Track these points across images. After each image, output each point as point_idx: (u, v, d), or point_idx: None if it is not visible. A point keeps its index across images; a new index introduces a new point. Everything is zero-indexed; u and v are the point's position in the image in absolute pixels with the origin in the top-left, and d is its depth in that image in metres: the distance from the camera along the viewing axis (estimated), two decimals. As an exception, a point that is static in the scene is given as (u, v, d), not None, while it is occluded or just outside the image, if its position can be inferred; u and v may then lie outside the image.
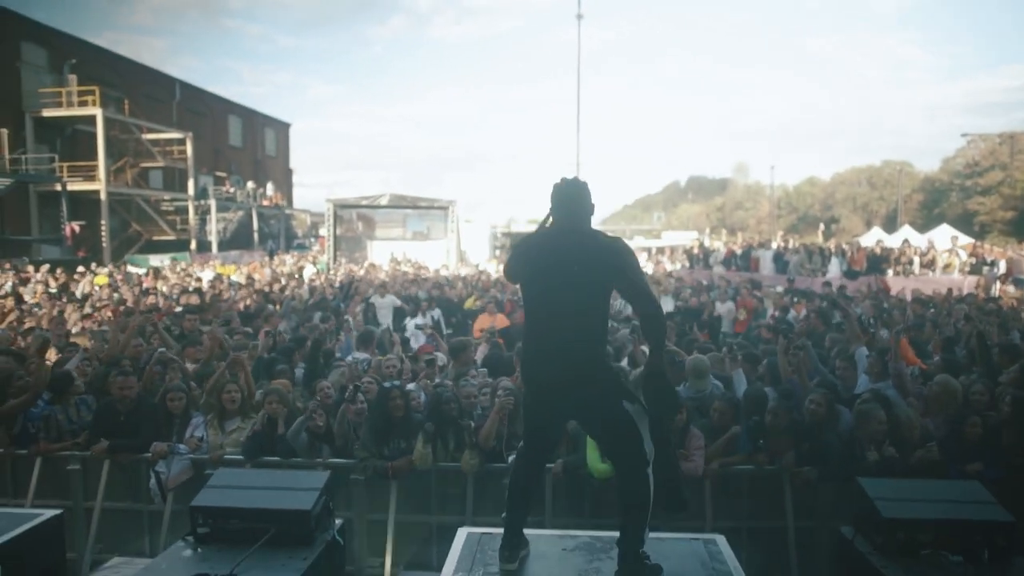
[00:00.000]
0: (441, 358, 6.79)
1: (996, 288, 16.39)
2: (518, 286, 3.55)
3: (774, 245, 20.21)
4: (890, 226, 39.20)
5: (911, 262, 17.22)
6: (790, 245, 19.65)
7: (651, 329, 3.28)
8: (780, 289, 14.95)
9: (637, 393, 3.25)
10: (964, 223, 40.90)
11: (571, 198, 3.36)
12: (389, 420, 5.13)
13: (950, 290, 13.73)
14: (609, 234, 3.39)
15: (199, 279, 17.98)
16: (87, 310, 10.68)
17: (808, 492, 4.87)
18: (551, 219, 3.43)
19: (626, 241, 3.40)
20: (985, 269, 17.45)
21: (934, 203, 59.75)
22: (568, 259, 3.21)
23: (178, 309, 10.15)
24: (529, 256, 3.35)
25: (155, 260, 27.90)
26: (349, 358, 7.05)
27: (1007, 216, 50.99)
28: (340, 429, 5.20)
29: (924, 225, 34.88)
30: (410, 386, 5.78)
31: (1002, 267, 17.86)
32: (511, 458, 4.79)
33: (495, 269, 24.69)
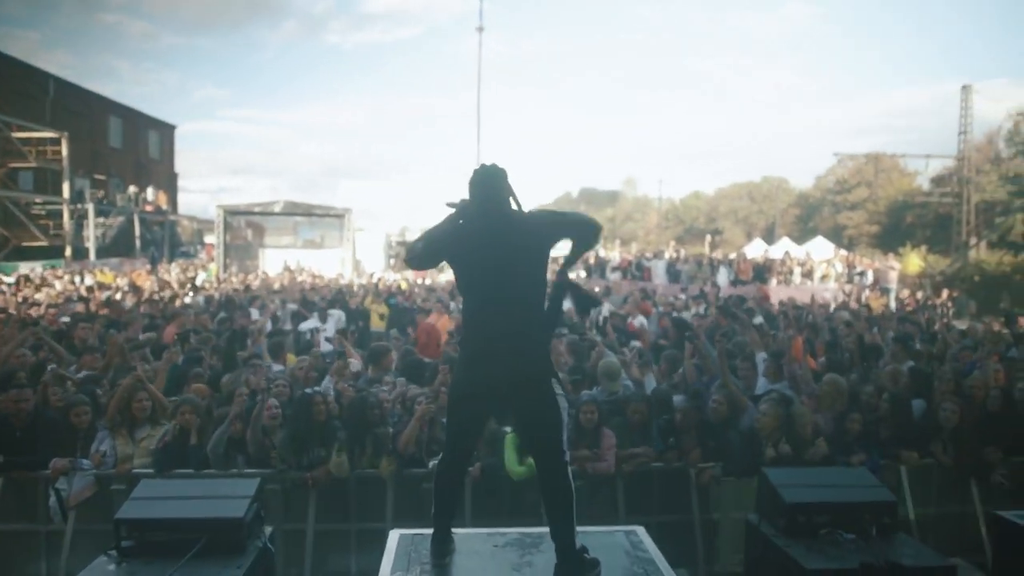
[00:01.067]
0: (354, 364, 6.75)
1: (865, 295, 17.79)
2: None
3: (666, 255, 21.15)
4: (769, 238, 41.54)
5: (791, 272, 18.42)
6: (681, 255, 20.63)
7: (584, 235, 3.43)
8: (672, 298, 15.68)
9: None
10: (835, 236, 43.76)
11: (492, 183, 3.38)
12: (309, 427, 5.09)
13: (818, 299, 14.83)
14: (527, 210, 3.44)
15: (84, 287, 17.01)
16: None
17: (712, 486, 5.20)
18: (472, 206, 3.41)
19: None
20: (856, 279, 18.91)
21: (808, 217, 63.63)
22: (502, 242, 3.24)
23: (65, 318, 9.58)
24: (455, 241, 3.33)
25: (25, 267, 26.05)
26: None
27: (872, 230, 54.92)
28: (253, 436, 5.10)
29: (800, 237, 37.20)
30: (324, 383, 5.78)
31: (870, 277, 19.40)
32: (432, 463, 4.87)
33: (392, 278, 24.55)
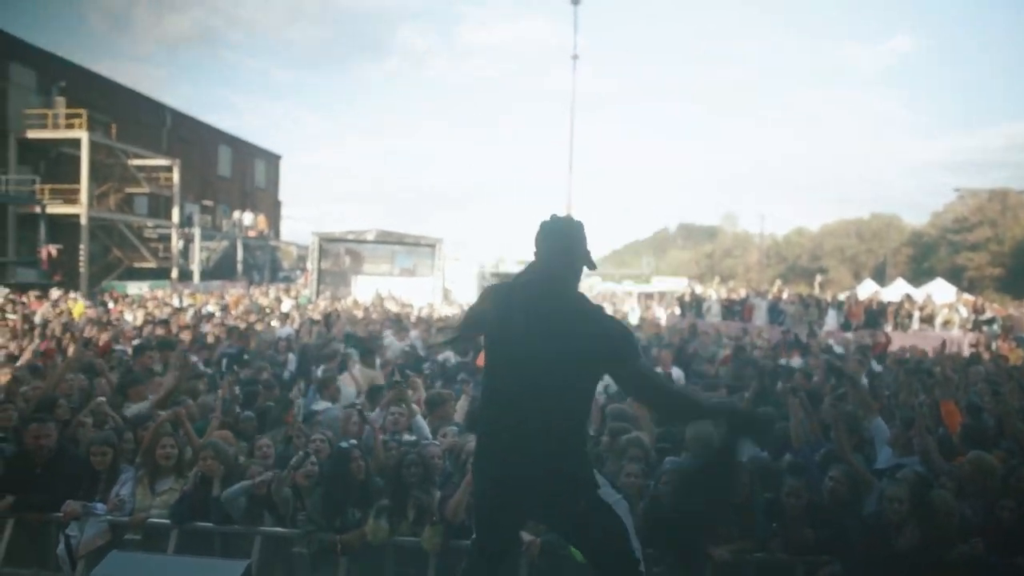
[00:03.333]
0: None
1: (995, 346, 15.89)
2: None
3: (769, 295, 19.71)
4: (879, 278, 38.93)
5: (910, 316, 16.73)
6: (784, 295, 19.18)
7: (671, 407, 2.82)
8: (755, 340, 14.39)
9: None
10: (953, 278, 40.86)
11: (562, 241, 2.74)
12: (346, 485, 4.42)
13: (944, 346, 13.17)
14: (600, 307, 2.78)
15: (174, 308, 17.26)
16: (36, 340, 9.90)
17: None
18: (534, 264, 2.80)
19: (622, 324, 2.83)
20: (984, 327, 16.99)
21: (922, 257, 59.91)
22: (554, 324, 2.62)
23: (135, 342, 9.40)
24: (502, 307, 2.71)
25: (134, 287, 27.13)
26: (317, 406, 6.35)
27: (995, 272, 51.03)
28: (278, 495, 4.48)
29: (914, 279, 34.65)
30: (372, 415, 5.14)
31: (998, 324, 17.41)
32: None
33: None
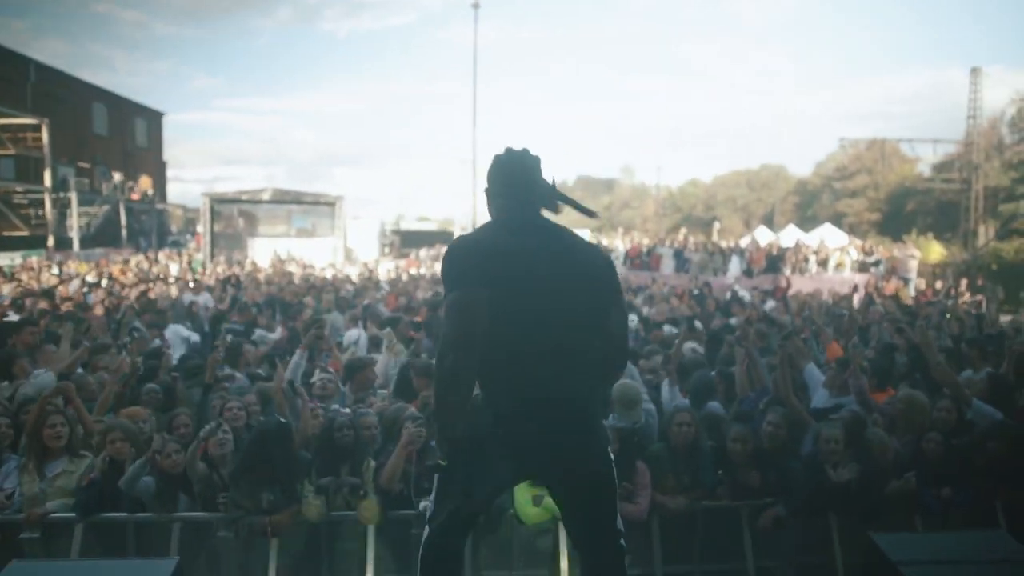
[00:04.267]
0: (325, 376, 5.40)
1: (881, 285, 16.81)
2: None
3: (674, 244, 20.09)
4: (768, 226, 40.51)
5: (806, 260, 17.43)
6: (690, 243, 19.61)
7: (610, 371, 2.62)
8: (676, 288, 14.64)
9: None
10: (835, 223, 43.12)
11: (527, 177, 2.50)
12: (271, 462, 4.07)
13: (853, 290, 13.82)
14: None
15: (58, 277, 15.94)
16: None
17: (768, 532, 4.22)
18: (495, 208, 2.54)
19: None
20: (872, 268, 17.93)
21: (807, 204, 62.79)
22: (553, 265, 2.37)
23: (10, 317, 8.51)
24: (489, 265, 2.35)
25: (4, 258, 24.95)
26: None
27: (873, 217, 54.06)
28: (191, 469, 4.08)
29: (800, 225, 36.26)
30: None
31: (883, 265, 18.42)
32: (422, 505, 3.88)
33: (386, 269, 23.58)
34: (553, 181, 2.54)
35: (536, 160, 2.53)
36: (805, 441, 4.46)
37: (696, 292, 13.35)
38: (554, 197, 2.53)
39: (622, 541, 2.51)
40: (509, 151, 2.53)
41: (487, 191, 2.56)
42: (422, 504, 3.91)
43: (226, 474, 4.09)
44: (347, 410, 4.52)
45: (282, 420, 4.18)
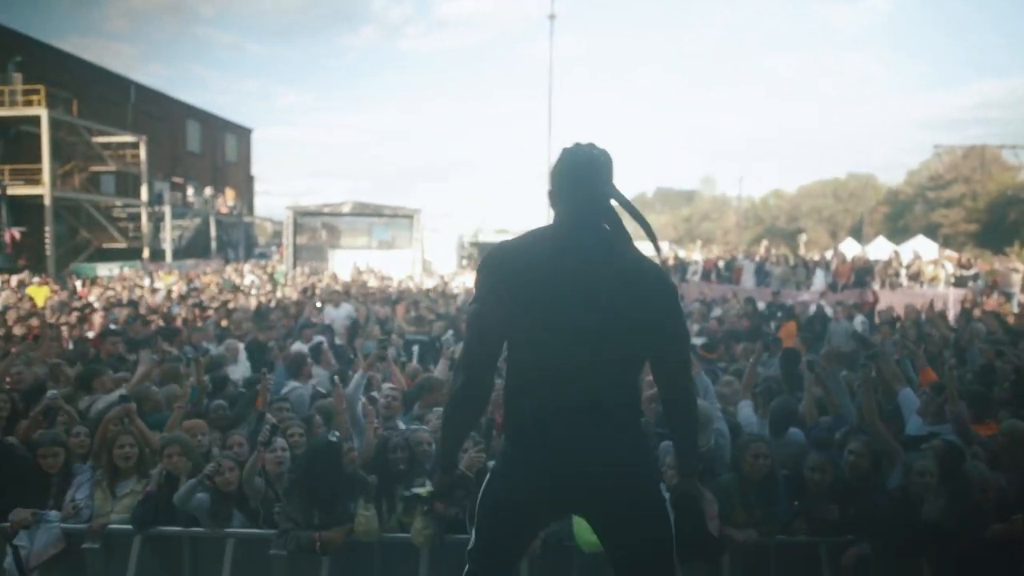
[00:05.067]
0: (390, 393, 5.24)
1: (981, 301, 15.74)
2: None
3: (756, 256, 19.38)
4: (856, 238, 38.85)
5: (897, 274, 16.51)
6: (772, 255, 18.88)
7: (683, 421, 2.34)
8: (760, 304, 14.07)
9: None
10: (928, 235, 41.10)
11: (589, 173, 2.25)
12: (326, 479, 4.00)
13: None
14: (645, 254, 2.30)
15: (147, 288, 16.63)
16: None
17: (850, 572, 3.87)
18: (553, 210, 2.31)
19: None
20: (970, 283, 16.82)
21: (898, 215, 60.12)
22: (592, 278, 2.15)
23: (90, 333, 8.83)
24: (517, 275, 2.17)
25: (104, 269, 26.31)
26: (285, 389, 5.86)
27: (970, 228, 51.28)
28: (250, 486, 4.06)
29: (890, 237, 34.60)
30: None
31: (982, 280, 17.25)
32: None
33: (461, 282, 23.66)
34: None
35: (604, 157, 2.29)
36: (894, 474, 4.08)
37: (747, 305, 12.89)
38: (621, 203, 2.30)
39: None
40: (576, 146, 2.32)
41: (550, 187, 2.36)
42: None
43: (282, 494, 4.04)
44: (402, 427, 4.42)
45: (332, 439, 4.10)
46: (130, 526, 4.02)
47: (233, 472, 4.04)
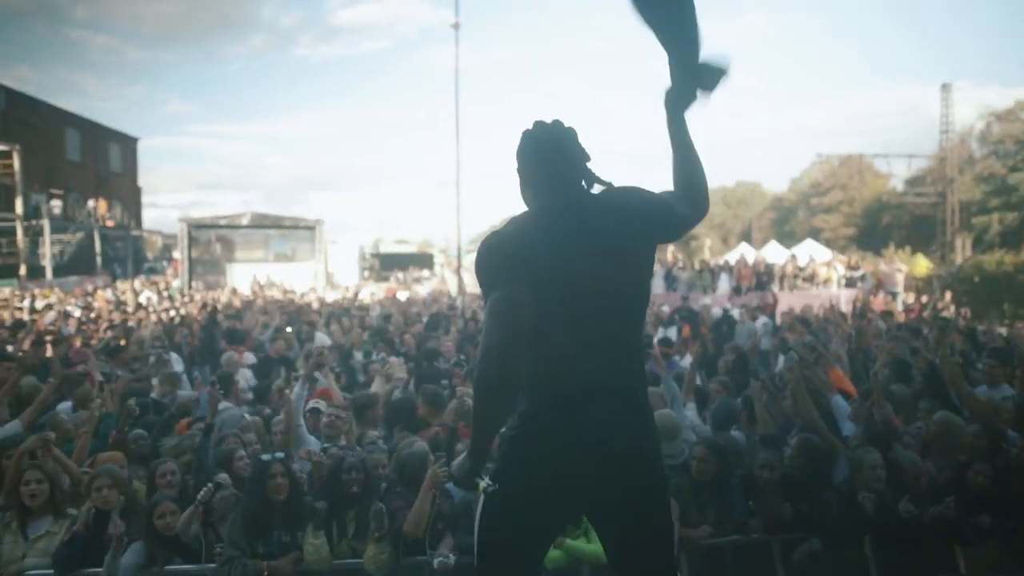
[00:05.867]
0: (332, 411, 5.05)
1: (872, 301, 16.79)
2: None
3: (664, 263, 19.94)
4: (746, 242, 40.70)
5: (795, 277, 17.38)
6: (679, 261, 19.49)
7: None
8: (666, 308, 14.45)
9: None
10: (812, 239, 43.53)
11: (566, 151, 2.25)
12: (268, 506, 3.77)
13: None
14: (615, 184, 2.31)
15: (26, 309, 15.42)
16: None
17: (803, 568, 3.98)
18: (529, 191, 2.30)
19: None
20: (859, 283, 17.92)
21: (783, 220, 63.37)
22: (602, 245, 2.13)
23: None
24: (526, 261, 2.09)
25: (-25, 288, 24.27)
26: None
27: (848, 232, 54.64)
28: (186, 535, 3.76)
29: (779, 241, 36.51)
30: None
31: (869, 280, 18.43)
32: (436, 561, 3.61)
33: (368, 293, 23.22)
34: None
35: (571, 131, 2.27)
36: (837, 471, 4.24)
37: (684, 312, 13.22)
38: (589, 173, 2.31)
39: None
40: (539, 124, 2.27)
41: (519, 171, 2.31)
42: (437, 561, 3.63)
43: (223, 530, 3.77)
44: (358, 448, 4.23)
45: (281, 456, 3.88)
46: (51, 571, 3.65)
47: (175, 515, 3.72)
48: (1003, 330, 11.83)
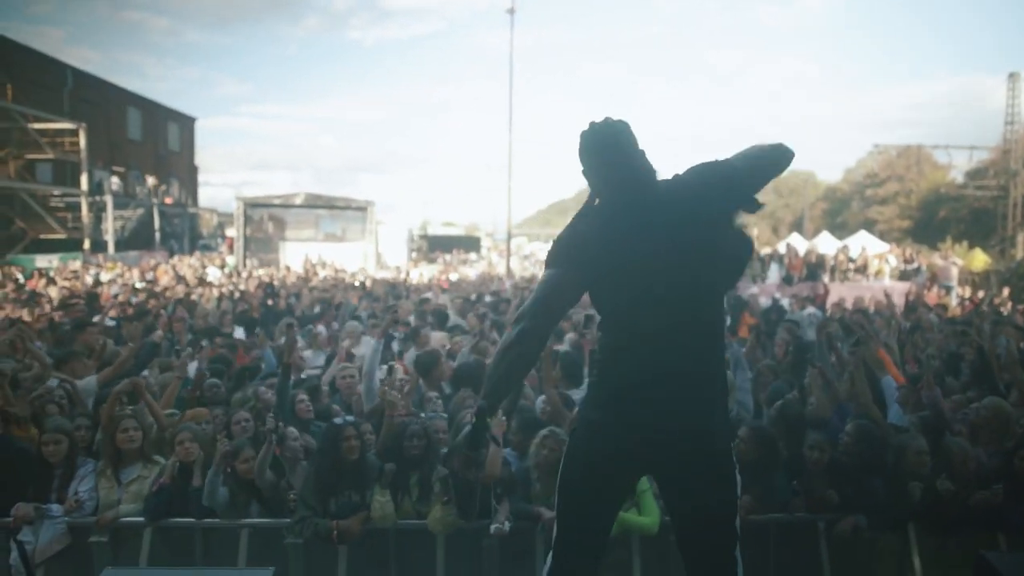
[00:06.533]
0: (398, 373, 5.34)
1: (925, 294, 16.47)
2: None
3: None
4: (797, 232, 40.01)
5: (847, 268, 17.14)
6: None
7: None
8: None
9: None
10: (866, 230, 42.56)
11: (625, 146, 2.37)
12: (339, 466, 4.02)
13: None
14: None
15: (96, 281, 16.10)
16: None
17: (846, 546, 4.08)
18: (593, 187, 2.44)
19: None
20: (913, 277, 17.57)
21: (836, 211, 61.99)
22: (675, 233, 2.26)
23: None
24: (591, 252, 2.30)
25: (42, 260, 25.31)
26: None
27: (904, 225, 53.28)
28: (260, 475, 4.02)
29: (831, 232, 35.84)
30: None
31: (924, 272, 18.05)
32: (492, 528, 3.81)
33: (417, 273, 23.57)
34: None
35: (622, 126, 2.39)
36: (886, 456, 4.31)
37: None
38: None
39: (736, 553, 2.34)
40: (593, 126, 2.41)
41: (584, 173, 2.45)
42: (493, 527, 3.84)
43: (295, 480, 4.04)
44: (422, 414, 4.46)
45: (350, 421, 4.13)
46: (141, 518, 3.97)
47: (249, 459, 4.00)
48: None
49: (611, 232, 2.28)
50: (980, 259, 22.05)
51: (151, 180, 38.03)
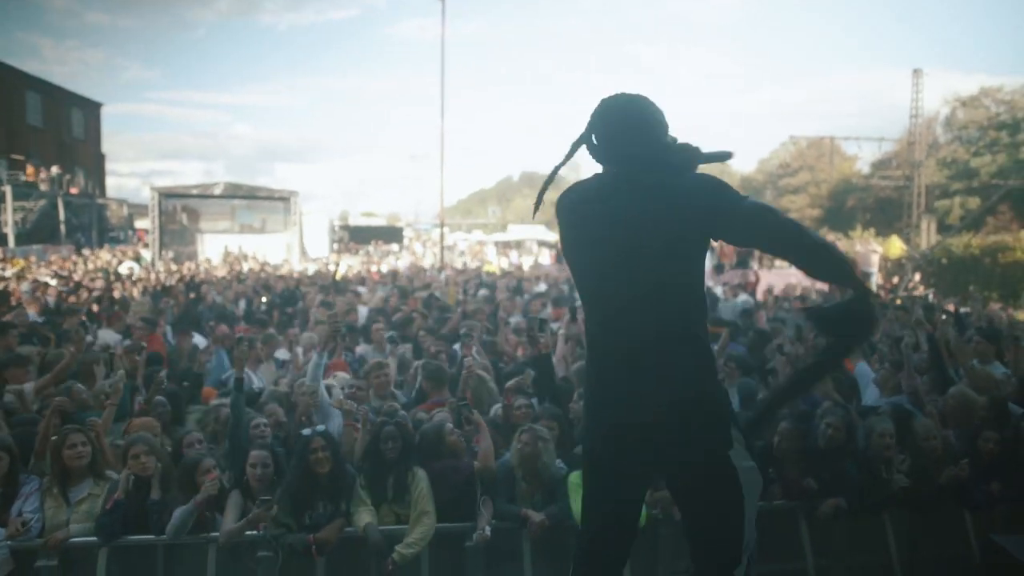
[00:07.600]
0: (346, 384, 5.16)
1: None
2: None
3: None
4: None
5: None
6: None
7: (826, 266, 2.08)
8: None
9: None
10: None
11: (628, 122, 2.20)
12: (310, 480, 3.79)
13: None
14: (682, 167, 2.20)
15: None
16: None
17: (823, 527, 4.14)
18: (606, 155, 2.29)
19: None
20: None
21: (753, 200, 64.09)
22: (634, 216, 2.08)
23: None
24: (576, 219, 2.25)
25: (-66, 257, 23.51)
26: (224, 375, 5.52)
27: (815, 213, 55.49)
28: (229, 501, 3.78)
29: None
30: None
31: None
32: (475, 536, 3.70)
33: (345, 266, 23.05)
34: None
35: (640, 102, 2.24)
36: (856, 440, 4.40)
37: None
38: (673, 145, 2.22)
39: (740, 571, 2.15)
40: (609, 100, 2.26)
41: (593, 144, 2.29)
42: (475, 534, 3.72)
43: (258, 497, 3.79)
44: (402, 413, 4.27)
45: (321, 430, 3.90)
46: (94, 538, 3.64)
47: (215, 486, 3.70)
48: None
49: (587, 200, 2.24)
50: (896, 246, 23.14)
51: (54, 169, 35.81)
